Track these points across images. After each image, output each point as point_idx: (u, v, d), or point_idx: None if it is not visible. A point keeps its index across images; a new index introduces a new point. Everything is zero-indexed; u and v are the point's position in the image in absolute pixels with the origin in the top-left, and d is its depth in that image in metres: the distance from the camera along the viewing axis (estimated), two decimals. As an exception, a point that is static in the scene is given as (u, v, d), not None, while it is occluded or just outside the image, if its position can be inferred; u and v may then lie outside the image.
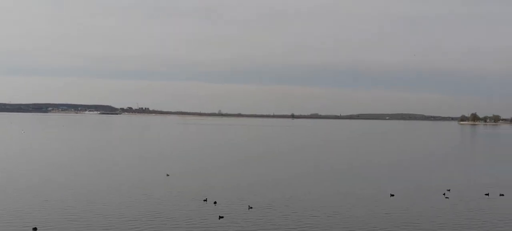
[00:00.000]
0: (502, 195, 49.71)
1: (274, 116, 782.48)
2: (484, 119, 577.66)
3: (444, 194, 49.83)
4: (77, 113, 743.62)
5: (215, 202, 42.86)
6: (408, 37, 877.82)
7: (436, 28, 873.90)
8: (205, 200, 43.38)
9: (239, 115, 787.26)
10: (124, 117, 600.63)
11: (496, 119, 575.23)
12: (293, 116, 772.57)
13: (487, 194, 49.66)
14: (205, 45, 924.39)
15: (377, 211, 41.17)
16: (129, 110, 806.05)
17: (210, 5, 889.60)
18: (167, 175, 59.48)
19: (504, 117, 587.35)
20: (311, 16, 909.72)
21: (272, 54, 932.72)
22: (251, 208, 41.27)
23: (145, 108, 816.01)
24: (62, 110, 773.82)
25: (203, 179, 57.96)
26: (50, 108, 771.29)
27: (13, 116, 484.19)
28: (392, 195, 48.31)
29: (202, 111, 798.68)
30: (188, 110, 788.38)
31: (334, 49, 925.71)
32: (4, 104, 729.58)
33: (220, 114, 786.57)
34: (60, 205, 41.07)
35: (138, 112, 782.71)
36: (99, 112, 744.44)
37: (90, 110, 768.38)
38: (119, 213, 38.62)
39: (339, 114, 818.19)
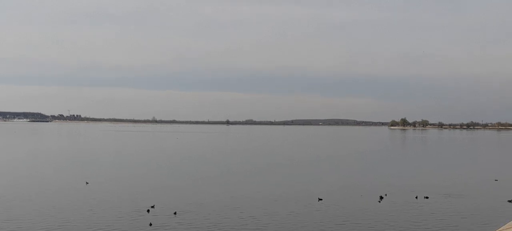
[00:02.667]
0: (427, 197, 49.99)
1: (209, 122, 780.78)
2: (414, 124, 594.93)
3: (386, 195, 49.96)
4: (5, 121, 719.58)
5: (149, 210, 40.99)
6: (339, 43, 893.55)
7: (366, 34, 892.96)
8: (148, 211, 41.05)
9: (174, 122, 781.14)
10: (55, 124, 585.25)
11: (425, 124, 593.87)
12: (228, 122, 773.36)
13: (417, 197, 49.79)
14: (139, 50, 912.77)
15: (305, 216, 40.34)
16: (60, 117, 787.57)
17: (141, 10, 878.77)
18: (87, 183, 57.15)
19: (432, 122, 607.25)
20: (245, 22, 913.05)
21: (205, 60, 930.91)
22: (176, 213, 39.96)
23: (77, 115, 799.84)
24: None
25: (125, 186, 55.89)
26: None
27: None
28: (321, 199, 47.68)
29: (136, 118, 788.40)
30: (122, 117, 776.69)
31: (268, 55, 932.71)
32: None
33: (154, 121, 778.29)
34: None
35: (69, 120, 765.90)
36: (28, 120, 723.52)
37: (19, 118, 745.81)
38: (30, 221, 36.25)
39: (273, 120, 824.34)
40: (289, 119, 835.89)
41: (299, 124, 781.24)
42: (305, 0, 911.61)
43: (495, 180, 66.19)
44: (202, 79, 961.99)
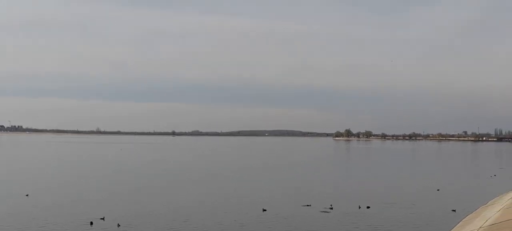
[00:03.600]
0: (369, 207, 50.70)
1: (154, 133, 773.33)
2: (357, 135, 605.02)
3: (331, 206, 50.43)
4: None
5: (92, 222, 40.09)
6: (281, 55, 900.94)
7: (311, 46, 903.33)
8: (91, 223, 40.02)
9: (119, 132, 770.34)
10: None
11: (368, 135, 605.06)
12: (173, 133, 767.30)
13: (359, 207, 50.42)
14: (81, 61, 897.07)
15: (250, 226, 40.40)
16: (1, 128, 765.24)
17: (82, 21, 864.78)
18: (27, 195, 55.67)
19: (375, 133, 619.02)
20: (189, 32, 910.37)
21: (150, 70, 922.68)
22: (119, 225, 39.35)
23: (18, 126, 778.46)
24: None
25: (66, 198, 54.71)
26: None
27: None
28: (265, 210, 47.78)
29: (80, 129, 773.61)
30: (65, 128, 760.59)
31: (212, 66, 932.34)
32: None
33: (99, 132, 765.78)
34: None
35: (10, 131, 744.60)
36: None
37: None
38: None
39: (219, 131, 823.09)
40: (235, 129, 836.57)
41: (245, 135, 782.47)
42: (249, 12, 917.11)
43: (437, 190, 67.74)
44: (147, 90, 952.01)
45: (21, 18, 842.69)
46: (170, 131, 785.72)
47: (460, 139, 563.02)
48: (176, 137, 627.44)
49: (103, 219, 41.71)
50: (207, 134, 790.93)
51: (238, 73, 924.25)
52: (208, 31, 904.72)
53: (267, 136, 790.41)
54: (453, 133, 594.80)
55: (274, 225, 41.15)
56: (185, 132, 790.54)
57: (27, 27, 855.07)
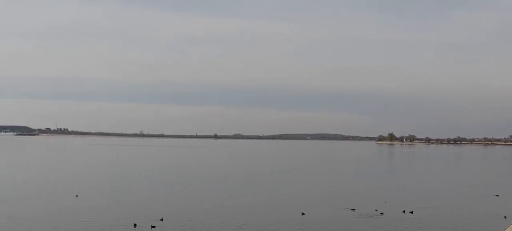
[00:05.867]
0: (412, 212, 50.26)
1: (196, 136, 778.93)
2: (401, 139, 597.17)
3: (376, 210, 50.34)
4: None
5: (135, 224, 40.96)
6: (321, 58, 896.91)
7: (350, 49, 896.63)
8: (135, 226, 40.84)
9: (162, 135, 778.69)
10: (41, 138, 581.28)
11: (412, 139, 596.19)
12: (216, 136, 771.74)
13: (411, 212, 49.95)
14: (123, 65, 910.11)
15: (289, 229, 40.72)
16: (47, 131, 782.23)
17: (124, 27, 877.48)
18: (76, 196, 57.29)
19: (419, 137, 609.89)
20: (234, 37, 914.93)
21: (194, 74, 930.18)
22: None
23: (64, 129, 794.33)
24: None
25: (115, 200, 56.02)
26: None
27: None
28: (303, 214, 47.92)
29: (124, 132, 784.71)
30: (109, 131, 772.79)
31: (253, 70, 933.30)
32: None
33: (142, 135, 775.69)
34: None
35: (56, 133, 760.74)
36: (15, 133, 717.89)
37: (5, 131, 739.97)
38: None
39: (261, 135, 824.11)
40: (277, 133, 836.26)
41: (286, 138, 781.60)
42: (292, 17, 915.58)
43: (496, 195, 66.44)
44: (191, 94, 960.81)
45: (67, 24, 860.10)
46: (212, 134, 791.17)
47: (507, 143, 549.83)
48: (218, 140, 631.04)
49: (162, 219, 42.98)
50: (248, 137, 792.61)
51: (279, 77, 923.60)
52: (247, 35, 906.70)
53: (308, 139, 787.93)
54: (499, 137, 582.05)
55: (314, 229, 41.29)
56: (227, 135, 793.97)
57: (72, 33, 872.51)
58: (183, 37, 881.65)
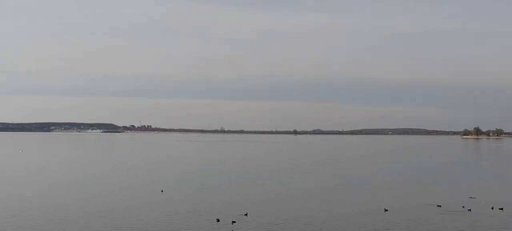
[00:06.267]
0: (501, 208, 48.46)
1: (276, 132, 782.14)
2: (487, 133, 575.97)
3: (463, 206, 49.02)
4: (79, 132, 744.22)
5: (218, 219, 41.61)
6: (400, 51, 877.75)
7: (431, 42, 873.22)
8: (218, 220, 41.42)
9: (242, 132, 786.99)
10: (126, 135, 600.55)
11: (499, 133, 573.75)
12: (295, 132, 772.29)
13: (501, 209, 48.10)
14: (203, 63, 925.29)
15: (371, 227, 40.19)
16: (132, 128, 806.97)
17: (203, 24, 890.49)
18: (162, 191, 58.85)
19: (507, 131, 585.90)
20: (313, 33, 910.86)
21: (272, 71, 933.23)
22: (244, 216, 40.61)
23: (148, 126, 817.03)
24: (64, 129, 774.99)
25: (199, 195, 57.09)
26: (52, 127, 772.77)
27: (15, 135, 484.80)
28: (386, 210, 47.06)
29: (205, 128, 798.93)
30: (191, 128, 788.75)
31: (331, 64, 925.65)
32: (7, 124, 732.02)
33: (223, 131, 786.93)
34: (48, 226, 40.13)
35: (140, 130, 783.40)
36: (101, 130, 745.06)
37: (92, 129, 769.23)
38: (109, 225, 37.75)
39: (341, 130, 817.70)
40: (358, 128, 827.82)
41: (367, 133, 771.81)
42: (367, 9, 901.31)
43: None
44: (270, 89, 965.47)
45: (148, 24, 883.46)
46: (291, 129, 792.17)
47: None
48: (298, 136, 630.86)
49: (246, 214, 43.66)
50: (328, 132, 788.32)
51: (358, 71, 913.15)
52: (326, 30, 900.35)
53: (390, 134, 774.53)
54: None
55: (399, 226, 40.55)
56: (307, 131, 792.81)
57: (153, 32, 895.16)
58: (263, 33, 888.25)
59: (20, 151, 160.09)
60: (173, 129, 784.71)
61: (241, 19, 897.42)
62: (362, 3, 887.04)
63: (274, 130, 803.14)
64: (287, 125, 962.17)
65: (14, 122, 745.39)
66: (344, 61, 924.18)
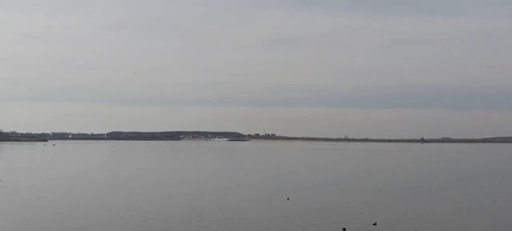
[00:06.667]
0: None
1: (402, 140, 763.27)
2: None
3: None
4: (207, 140, 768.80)
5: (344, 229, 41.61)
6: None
7: None
8: (344, 230, 41.36)
9: (366, 140, 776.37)
10: (251, 143, 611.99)
11: None
12: (423, 140, 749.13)
13: None
14: (328, 71, 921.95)
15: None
16: (256, 136, 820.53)
17: (328, 34, 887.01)
18: (288, 199, 59.56)
19: None
20: (430, 40, 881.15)
21: (398, 77, 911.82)
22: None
23: (272, 134, 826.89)
24: (192, 137, 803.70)
25: (325, 204, 57.22)
26: (181, 136, 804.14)
27: (147, 143, 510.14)
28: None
29: (328, 136, 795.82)
30: (314, 136, 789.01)
31: (457, 70, 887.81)
32: (140, 133, 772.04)
33: (347, 139, 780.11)
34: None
35: (264, 139, 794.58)
36: (227, 139, 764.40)
37: (219, 137, 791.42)
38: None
39: (472, 138, 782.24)
40: (490, 135, 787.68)
41: (500, 142, 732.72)
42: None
43: None
44: (396, 97, 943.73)
45: (276, 37, 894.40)
46: (418, 137, 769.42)
47: None
48: (425, 144, 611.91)
49: (375, 224, 43.43)
50: (458, 140, 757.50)
51: (485, 76, 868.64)
52: (457, 35, 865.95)
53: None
54: None
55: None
56: (435, 139, 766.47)
57: (281, 43, 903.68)
58: (389, 39, 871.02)
59: (152, 159, 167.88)
60: (297, 137, 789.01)
61: (369, 26, 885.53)
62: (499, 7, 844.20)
63: (400, 138, 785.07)
64: (414, 133, 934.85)
65: (146, 131, 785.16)
66: (452, 67, 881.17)
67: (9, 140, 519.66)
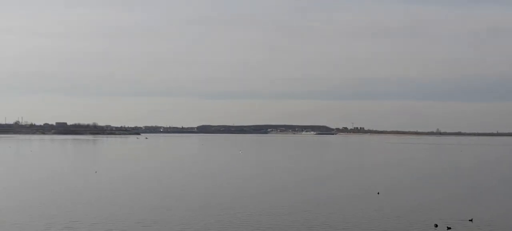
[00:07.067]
0: None
1: (497, 134, 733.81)
2: None
3: None
4: (294, 133, 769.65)
5: (437, 224, 39.97)
6: None
7: None
8: (436, 226, 39.97)
9: (459, 133, 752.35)
10: (339, 137, 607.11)
11: None
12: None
13: None
14: (420, 63, 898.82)
15: None
16: (344, 130, 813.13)
17: (420, 26, 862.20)
18: (378, 193, 58.30)
19: None
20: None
21: (493, 69, 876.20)
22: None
23: (360, 128, 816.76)
24: (280, 131, 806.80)
25: (414, 198, 55.55)
26: (269, 130, 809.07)
27: (235, 136, 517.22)
28: None
29: (419, 130, 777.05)
30: (405, 130, 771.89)
31: None
32: (228, 126, 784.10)
33: (439, 133, 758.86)
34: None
35: (353, 132, 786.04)
36: (315, 132, 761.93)
37: (306, 131, 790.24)
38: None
39: None
40: None
41: None
42: None
43: None
44: (490, 89, 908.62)
45: (364, 28, 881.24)
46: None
47: None
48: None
49: (471, 220, 41.72)
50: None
51: None
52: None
53: None
54: None
55: None
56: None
57: (369, 35, 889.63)
58: (481, 30, 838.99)
59: (239, 152, 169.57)
60: (386, 131, 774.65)
61: (460, 17, 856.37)
62: None
63: (495, 131, 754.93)
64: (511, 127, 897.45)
65: (234, 125, 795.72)
66: None
67: (104, 133, 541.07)
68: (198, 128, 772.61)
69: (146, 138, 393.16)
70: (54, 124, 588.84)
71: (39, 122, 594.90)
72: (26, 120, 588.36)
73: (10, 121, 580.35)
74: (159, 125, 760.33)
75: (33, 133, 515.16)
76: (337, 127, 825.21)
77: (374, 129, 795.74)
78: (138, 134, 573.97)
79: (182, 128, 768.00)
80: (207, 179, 74.99)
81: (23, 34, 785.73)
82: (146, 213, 44.48)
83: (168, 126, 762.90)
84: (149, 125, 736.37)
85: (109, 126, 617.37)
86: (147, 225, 39.56)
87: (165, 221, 41.27)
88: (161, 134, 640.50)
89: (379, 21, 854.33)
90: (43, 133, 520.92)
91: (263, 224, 40.29)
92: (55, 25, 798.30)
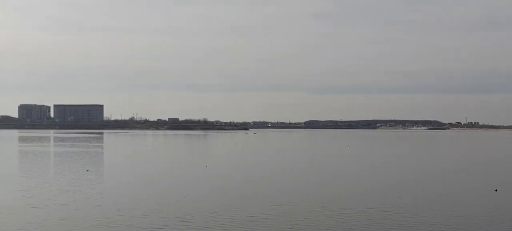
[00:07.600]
0: None
1: None
2: None
3: None
4: (404, 129, 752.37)
5: None
6: None
7: None
8: None
9: None
10: (452, 132, 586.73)
11: None
12: None
13: None
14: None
15: None
16: (457, 125, 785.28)
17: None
18: (496, 191, 55.99)
19: None
20: None
21: None
22: None
23: (475, 123, 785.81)
24: (389, 126, 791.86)
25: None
26: (378, 125, 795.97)
27: (343, 131, 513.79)
28: None
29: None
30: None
31: None
32: (336, 122, 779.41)
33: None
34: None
35: (467, 128, 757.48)
36: (426, 128, 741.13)
37: (417, 126, 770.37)
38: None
39: None
40: None
41: None
42: None
43: None
44: None
45: (479, 19, 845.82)
46: None
47: None
48: None
49: None
50: None
51: None
52: None
53: None
54: None
55: None
56: None
57: (484, 26, 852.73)
58: None
59: (348, 147, 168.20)
60: (503, 126, 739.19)
61: None
62: None
63: None
64: None
65: (342, 120, 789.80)
66: None
67: (214, 129, 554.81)
68: (305, 123, 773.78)
69: (255, 133, 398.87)
70: (167, 119, 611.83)
71: (152, 118, 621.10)
72: (140, 115, 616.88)
73: (126, 117, 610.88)
74: (267, 120, 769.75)
75: (147, 128, 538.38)
76: (450, 122, 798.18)
77: (490, 124, 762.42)
78: (247, 129, 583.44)
79: (290, 123, 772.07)
80: (324, 174, 75.27)
81: (144, 33, 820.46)
82: (257, 207, 45.32)
83: (275, 122, 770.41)
84: (257, 120, 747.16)
85: (219, 121, 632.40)
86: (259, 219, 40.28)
87: (276, 215, 41.89)
88: (269, 129, 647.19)
89: (492, 14, 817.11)
90: (157, 128, 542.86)
91: (395, 219, 39.96)
92: (171, 22, 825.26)
